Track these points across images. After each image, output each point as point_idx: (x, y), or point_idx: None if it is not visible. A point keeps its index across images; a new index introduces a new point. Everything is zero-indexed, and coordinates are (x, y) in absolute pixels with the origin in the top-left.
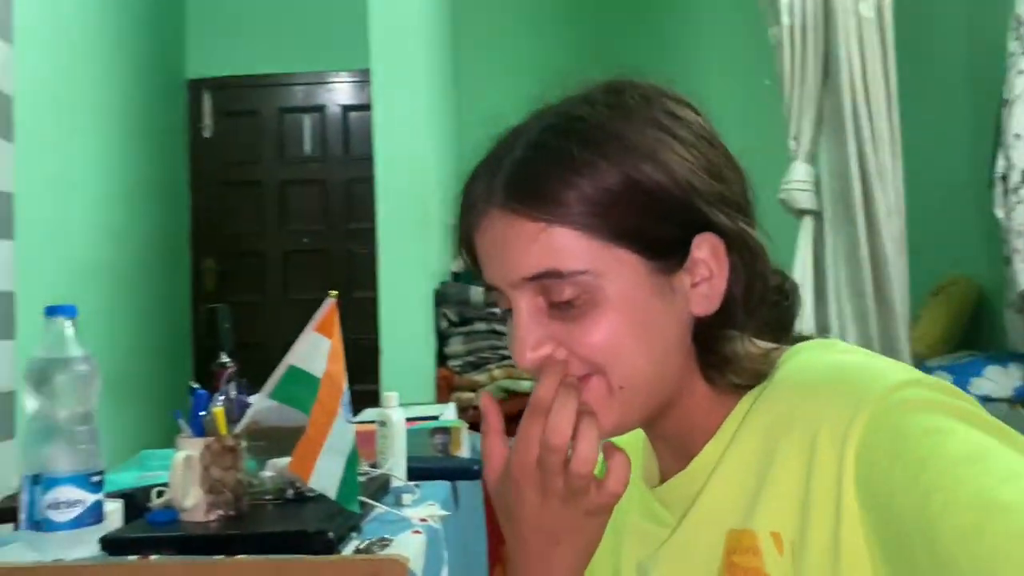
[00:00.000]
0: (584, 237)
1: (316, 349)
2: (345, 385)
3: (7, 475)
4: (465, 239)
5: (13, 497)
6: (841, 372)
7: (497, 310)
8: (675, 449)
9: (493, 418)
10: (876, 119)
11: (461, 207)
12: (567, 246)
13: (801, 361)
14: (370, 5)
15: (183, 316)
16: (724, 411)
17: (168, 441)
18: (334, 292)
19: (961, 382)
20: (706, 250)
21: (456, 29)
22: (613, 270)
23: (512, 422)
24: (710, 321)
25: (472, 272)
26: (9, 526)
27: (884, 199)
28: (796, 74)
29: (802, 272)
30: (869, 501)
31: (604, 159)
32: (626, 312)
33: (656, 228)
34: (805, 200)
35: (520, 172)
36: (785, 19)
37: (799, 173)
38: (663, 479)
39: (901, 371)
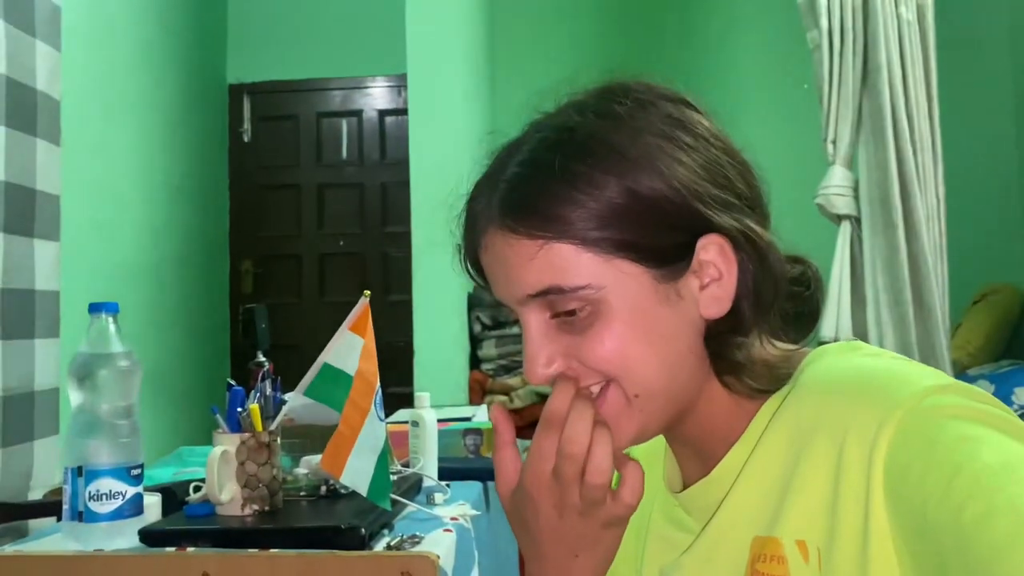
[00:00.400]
0: (584, 251)
1: (350, 348)
2: (377, 383)
3: (52, 470)
4: (471, 256)
5: (59, 491)
6: (868, 376)
7: None
8: (696, 454)
9: (504, 430)
10: (916, 122)
11: (464, 226)
12: (567, 262)
13: (826, 364)
14: (407, 12)
15: (220, 316)
16: (746, 416)
17: (205, 438)
18: (367, 292)
19: (1003, 392)
20: (712, 251)
21: (492, 35)
22: (616, 282)
23: None
24: (721, 326)
25: (480, 287)
26: (53, 518)
27: (924, 203)
28: (834, 77)
29: (840, 277)
30: (899, 510)
31: (598, 171)
32: (632, 322)
33: (657, 237)
34: (843, 205)
35: (515, 190)
36: (824, 22)
37: (837, 177)
38: (685, 485)
39: (929, 376)
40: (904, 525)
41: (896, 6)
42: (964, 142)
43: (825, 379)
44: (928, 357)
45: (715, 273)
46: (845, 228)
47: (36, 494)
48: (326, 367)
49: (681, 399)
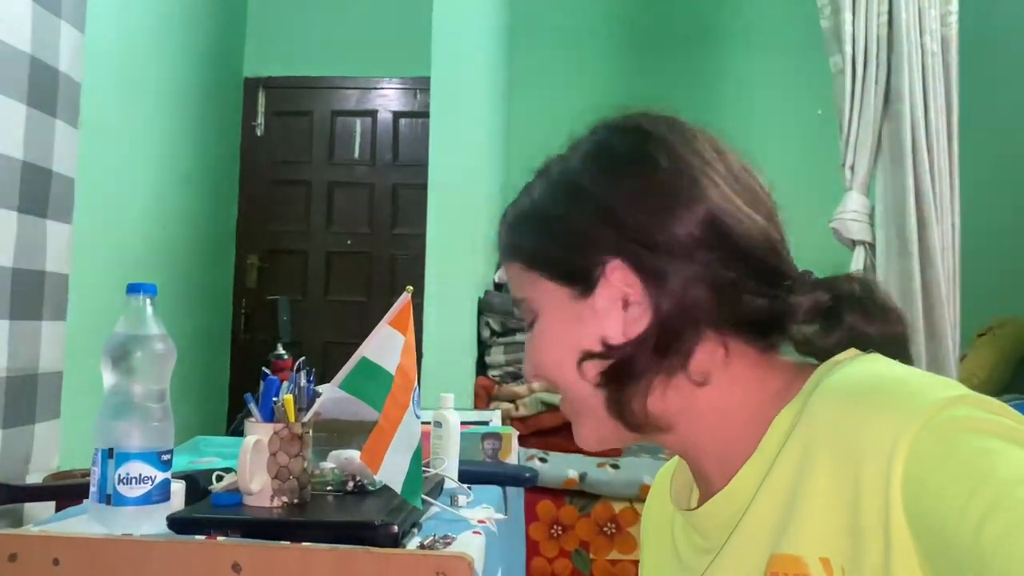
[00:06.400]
0: (524, 271)
1: (389, 343)
2: (416, 380)
3: (51, 454)
4: None
5: (57, 475)
6: (881, 386)
7: None
8: (717, 461)
9: None
10: (936, 152)
11: None
12: (517, 277)
13: (842, 374)
14: (435, 13)
15: (223, 308)
16: (762, 424)
17: (200, 428)
18: (410, 288)
19: None
20: (617, 276)
21: (511, 51)
22: (542, 298)
23: (549, 435)
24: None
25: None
26: (51, 503)
27: (940, 232)
28: (856, 103)
29: None
30: (918, 527)
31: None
32: (549, 333)
33: (560, 256)
34: (858, 230)
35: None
36: (848, 48)
37: (853, 203)
38: (703, 499)
39: (943, 387)
40: (924, 542)
41: (920, 36)
42: (982, 174)
43: (839, 388)
44: None
45: (622, 294)
46: (859, 253)
47: (35, 478)
48: (363, 361)
49: (635, 411)
